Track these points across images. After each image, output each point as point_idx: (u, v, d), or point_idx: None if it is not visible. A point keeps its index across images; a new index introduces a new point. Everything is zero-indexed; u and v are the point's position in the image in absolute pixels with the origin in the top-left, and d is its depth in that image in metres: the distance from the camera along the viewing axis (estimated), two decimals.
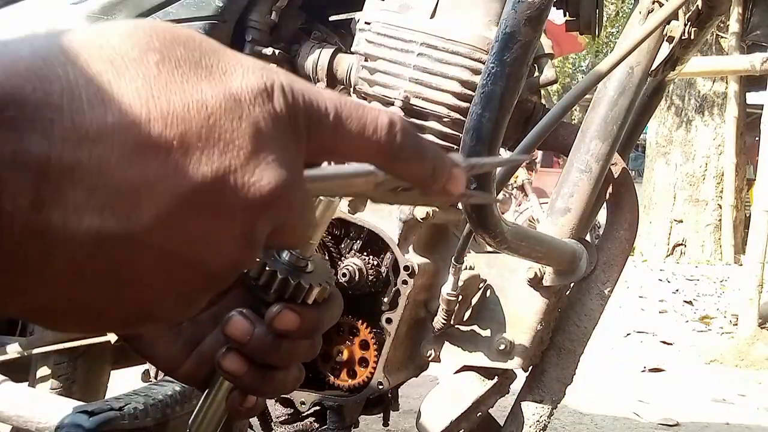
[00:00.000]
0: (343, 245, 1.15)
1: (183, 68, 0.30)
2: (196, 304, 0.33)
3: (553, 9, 1.13)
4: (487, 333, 1.13)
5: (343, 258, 1.13)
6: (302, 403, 1.17)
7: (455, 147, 1.07)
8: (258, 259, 0.41)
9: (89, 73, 0.28)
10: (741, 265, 5.76)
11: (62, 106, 0.27)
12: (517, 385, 1.23)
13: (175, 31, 0.31)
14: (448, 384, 1.17)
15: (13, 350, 1.46)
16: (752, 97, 7.55)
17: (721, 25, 6.50)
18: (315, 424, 1.20)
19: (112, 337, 1.40)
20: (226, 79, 0.30)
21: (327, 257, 1.14)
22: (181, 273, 0.30)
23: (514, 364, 1.13)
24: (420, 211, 1.09)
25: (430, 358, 1.16)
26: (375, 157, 0.35)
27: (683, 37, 1.13)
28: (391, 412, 1.31)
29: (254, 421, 1.29)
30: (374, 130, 0.34)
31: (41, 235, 0.27)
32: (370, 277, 1.11)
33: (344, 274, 1.10)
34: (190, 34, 0.31)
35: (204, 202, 0.29)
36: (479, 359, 1.14)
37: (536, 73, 1.20)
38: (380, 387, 1.12)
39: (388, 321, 1.10)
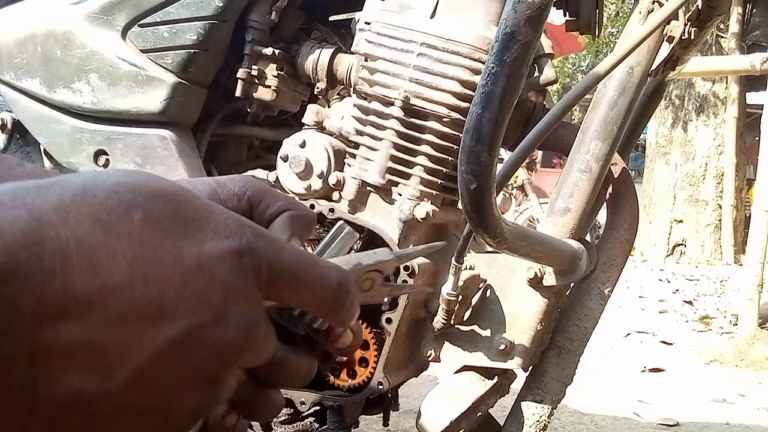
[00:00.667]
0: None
1: (164, 224, 0.33)
2: (210, 395, 0.35)
3: (553, 9, 1.13)
4: (487, 333, 1.13)
5: None
6: (302, 403, 1.17)
7: (455, 147, 1.07)
8: None
9: (79, 234, 0.30)
10: (741, 265, 5.77)
11: (55, 269, 0.29)
12: (517, 385, 1.23)
13: (157, 186, 0.33)
14: (448, 384, 1.17)
15: None
16: (752, 97, 7.54)
17: (721, 25, 6.50)
18: (315, 424, 1.20)
19: None
20: (201, 237, 0.34)
21: None
22: (150, 421, 0.33)
23: (514, 364, 1.13)
24: (420, 211, 1.09)
25: (430, 358, 1.16)
26: (319, 308, 0.40)
27: (683, 37, 1.13)
28: (391, 412, 1.31)
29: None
30: (322, 290, 0.38)
31: (27, 391, 0.29)
32: None
33: None
34: (170, 190, 0.34)
35: (175, 357, 0.32)
36: (479, 359, 1.14)
37: (536, 73, 1.20)
38: (380, 387, 1.12)
39: (388, 321, 1.10)
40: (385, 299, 1.11)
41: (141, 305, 0.31)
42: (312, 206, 1.13)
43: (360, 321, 1.14)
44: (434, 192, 1.13)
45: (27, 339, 0.28)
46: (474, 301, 1.11)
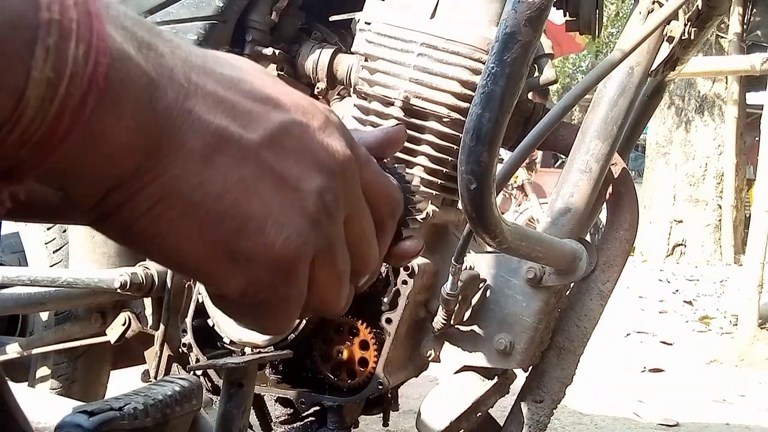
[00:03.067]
0: None
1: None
2: (305, 233, 0.38)
3: (553, 9, 1.13)
4: (487, 333, 1.13)
5: None
6: (302, 403, 1.17)
7: (455, 147, 1.07)
8: None
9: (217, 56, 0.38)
10: (741, 265, 5.77)
11: (206, 61, 0.36)
12: (517, 385, 1.23)
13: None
14: (448, 384, 1.17)
15: (13, 350, 1.46)
16: (752, 97, 7.54)
17: (721, 25, 6.50)
18: (315, 424, 1.20)
19: (112, 337, 1.40)
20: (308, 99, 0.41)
21: None
22: (285, 189, 0.37)
23: (514, 364, 1.13)
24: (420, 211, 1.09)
25: (430, 358, 1.16)
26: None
27: (683, 37, 1.13)
28: (391, 412, 1.31)
29: (254, 421, 1.29)
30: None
31: (188, 114, 0.34)
32: None
33: None
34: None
35: (296, 136, 0.38)
36: (479, 359, 1.14)
37: (536, 73, 1.20)
38: (380, 387, 1.12)
39: (388, 321, 1.10)
40: (385, 299, 1.11)
41: (267, 93, 0.38)
42: None
43: (359, 321, 1.14)
44: (434, 192, 1.13)
45: (186, 77, 0.34)
46: (474, 301, 1.11)
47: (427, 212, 1.09)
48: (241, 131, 0.36)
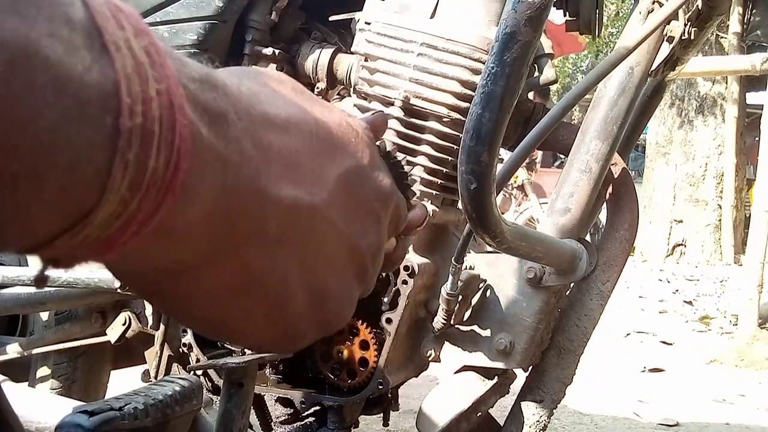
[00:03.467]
0: None
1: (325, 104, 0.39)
2: (359, 287, 0.39)
3: (553, 9, 1.13)
4: (487, 333, 1.13)
5: None
6: (302, 403, 1.17)
7: (455, 147, 1.07)
8: None
9: (278, 88, 0.36)
10: (741, 265, 5.77)
11: (265, 101, 0.34)
12: (517, 385, 1.23)
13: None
14: (448, 384, 1.17)
15: (13, 350, 1.46)
16: (752, 97, 7.54)
17: (722, 25, 6.50)
18: (315, 424, 1.20)
19: (112, 337, 1.40)
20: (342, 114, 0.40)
21: None
22: (345, 247, 0.36)
23: (514, 364, 1.13)
24: None
25: (430, 358, 1.16)
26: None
27: (683, 37, 1.13)
28: (391, 412, 1.31)
29: (254, 420, 1.29)
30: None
31: (261, 194, 0.32)
32: None
33: None
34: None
35: (351, 187, 0.37)
36: (479, 359, 1.14)
37: (536, 73, 1.20)
38: (380, 387, 1.12)
39: (388, 321, 1.10)
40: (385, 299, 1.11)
41: (324, 133, 0.36)
42: None
43: (359, 321, 1.14)
44: (434, 192, 1.13)
45: (251, 146, 0.31)
46: (474, 301, 1.11)
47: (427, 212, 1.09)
48: (310, 197, 0.34)
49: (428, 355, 1.15)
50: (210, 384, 1.25)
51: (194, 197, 0.28)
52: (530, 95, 1.25)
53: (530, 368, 1.18)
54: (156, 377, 1.34)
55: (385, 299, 1.11)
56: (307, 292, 0.34)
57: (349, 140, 0.37)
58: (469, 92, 1.08)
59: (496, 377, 1.17)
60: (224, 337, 0.35)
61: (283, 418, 1.23)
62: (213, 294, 0.32)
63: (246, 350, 1.19)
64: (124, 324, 1.39)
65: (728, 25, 6.58)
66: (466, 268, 1.06)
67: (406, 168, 0.47)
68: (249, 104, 0.32)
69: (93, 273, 1.31)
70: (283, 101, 0.35)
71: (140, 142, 0.25)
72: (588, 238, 1.20)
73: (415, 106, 1.09)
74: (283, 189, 0.32)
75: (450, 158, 1.11)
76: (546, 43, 1.17)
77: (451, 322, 1.10)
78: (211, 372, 1.24)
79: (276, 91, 0.36)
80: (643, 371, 3.36)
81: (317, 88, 1.25)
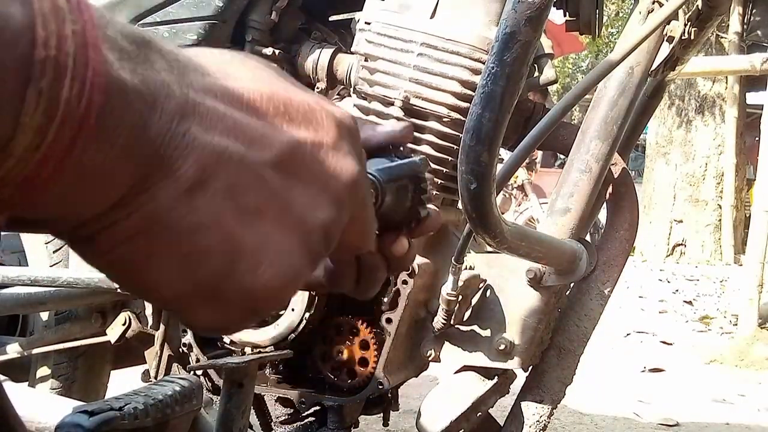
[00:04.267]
0: None
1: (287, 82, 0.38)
2: (301, 270, 0.36)
3: (553, 9, 1.13)
4: (487, 333, 1.13)
5: None
6: (302, 403, 1.17)
7: (455, 147, 1.07)
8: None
9: (237, 62, 0.36)
10: (741, 265, 5.76)
11: (217, 72, 0.34)
12: (517, 385, 1.23)
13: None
14: (448, 384, 1.17)
15: (13, 350, 1.46)
16: (752, 97, 7.54)
17: (721, 25, 6.50)
18: (315, 424, 1.20)
19: (112, 337, 1.40)
20: (323, 103, 0.38)
21: None
22: (290, 222, 0.35)
23: (514, 364, 1.13)
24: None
25: (430, 358, 1.16)
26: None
27: (683, 37, 1.13)
28: (391, 412, 1.31)
29: (254, 420, 1.29)
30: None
31: (182, 137, 0.31)
32: None
33: None
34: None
35: (305, 160, 0.35)
36: (479, 359, 1.14)
37: (536, 73, 1.20)
38: (380, 387, 1.12)
39: (388, 321, 1.10)
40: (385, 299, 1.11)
41: (276, 105, 0.35)
42: None
43: (359, 321, 1.14)
44: (434, 192, 1.13)
45: (183, 95, 0.32)
46: (474, 301, 1.11)
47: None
48: (243, 150, 0.33)
49: (428, 355, 1.15)
50: (210, 384, 1.25)
51: (111, 134, 0.29)
52: (530, 95, 1.25)
53: (530, 368, 1.18)
54: (156, 377, 1.34)
55: (385, 299, 1.11)
56: (226, 248, 0.33)
57: (315, 117, 0.36)
58: (469, 92, 1.08)
59: (496, 377, 1.17)
60: (140, 292, 0.34)
61: (283, 418, 1.23)
62: (127, 240, 0.32)
63: (245, 350, 1.19)
64: (124, 324, 1.39)
65: (728, 25, 6.58)
66: (466, 268, 1.06)
67: (421, 164, 0.47)
68: (186, 65, 0.33)
69: (93, 273, 1.31)
70: (233, 77, 0.35)
71: (54, 73, 0.27)
72: (588, 237, 1.20)
73: (415, 106, 1.09)
74: (211, 137, 0.32)
75: (450, 158, 1.11)
76: (546, 43, 1.17)
77: (451, 322, 1.10)
78: (211, 372, 1.24)
79: (234, 71, 0.35)
80: (643, 371, 3.36)
81: (317, 88, 1.25)
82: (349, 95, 1.21)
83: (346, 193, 0.37)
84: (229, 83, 0.34)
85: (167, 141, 0.31)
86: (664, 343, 3.96)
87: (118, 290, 1.28)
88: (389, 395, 1.26)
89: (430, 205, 0.48)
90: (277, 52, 1.25)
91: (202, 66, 0.34)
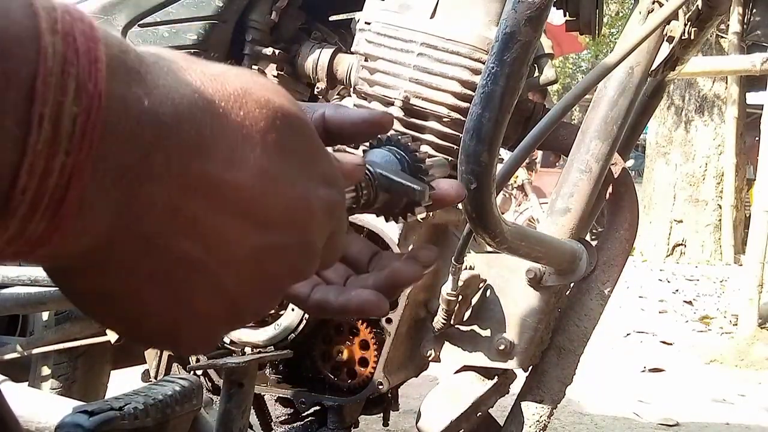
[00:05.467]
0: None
1: (289, 150, 0.37)
2: (268, 305, 0.39)
3: (553, 9, 1.13)
4: (487, 333, 1.13)
5: None
6: (302, 403, 1.17)
7: (455, 147, 1.07)
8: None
9: (226, 130, 0.35)
10: (741, 265, 5.76)
11: (201, 148, 0.34)
12: (517, 385, 1.23)
13: (294, 115, 0.38)
14: (448, 384, 1.17)
15: (13, 350, 1.46)
16: (752, 97, 7.53)
17: (721, 25, 6.50)
18: (315, 424, 1.20)
19: (112, 337, 1.40)
20: (312, 175, 0.39)
21: None
22: (222, 310, 0.36)
23: (514, 364, 1.13)
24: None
25: (430, 358, 1.16)
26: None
27: (683, 37, 1.13)
28: (391, 412, 1.31)
29: (254, 420, 1.29)
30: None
31: (155, 236, 0.33)
32: None
33: None
34: (302, 122, 0.39)
35: (261, 264, 0.36)
36: (479, 359, 1.14)
37: (536, 73, 1.20)
38: (380, 387, 1.12)
39: (388, 321, 1.10)
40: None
41: (255, 208, 0.35)
42: None
43: (359, 321, 1.14)
44: (422, 217, 1.13)
45: (173, 188, 0.32)
46: (474, 301, 1.11)
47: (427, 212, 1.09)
48: (202, 254, 0.34)
49: (428, 355, 1.15)
50: (210, 384, 1.25)
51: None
52: (530, 95, 1.25)
53: (530, 368, 1.18)
54: (156, 377, 1.34)
55: None
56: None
57: (288, 220, 0.37)
58: (469, 92, 1.08)
59: (496, 377, 1.17)
60: (124, 322, 0.36)
61: (283, 418, 1.23)
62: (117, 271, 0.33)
63: (245, 350, 1.19)
64: None
65: (728, 25, 6.58)
66: (466, 268, 1.06)
67: (416, 149, 0.48)
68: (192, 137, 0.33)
69: None
70: (233, 161, 0.35)
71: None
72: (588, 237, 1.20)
73: (415, 106, 1.09)
74: (178, 243, 0.33)
75: (450, 158, 1.11)
76: (546, 43, 1.17)
77: (451, 322, 1.10)
78: (211, 372, 1.24)
79: (242, 147, 0.35)
80: (643, 371, 3.36)
81: (317, 87, 1.25)
82: (349, 95, 1.21)
83: (326, 234, 0.39)
84: (221, 175, 0.34)
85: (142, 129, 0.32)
86: (664, 343, 3.96)
87: None
88: (389, 395, 1.26)
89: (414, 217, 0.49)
90: (276, 52, 1.25)
91: (208, 148, 0.34)
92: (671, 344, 3.94)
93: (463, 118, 0.95)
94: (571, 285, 1.18)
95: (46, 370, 1.50)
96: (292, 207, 0.37)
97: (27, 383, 1.52)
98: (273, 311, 1.15)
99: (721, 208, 7.27)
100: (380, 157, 0.48)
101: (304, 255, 0.39)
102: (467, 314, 1.11)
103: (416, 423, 1.15)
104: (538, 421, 1.16)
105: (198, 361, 1.21)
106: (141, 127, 0.31)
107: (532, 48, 0.75)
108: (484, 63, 1.05)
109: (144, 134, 0.31)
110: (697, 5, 1.14)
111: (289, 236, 0.37)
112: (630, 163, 1.44)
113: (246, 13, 1.24)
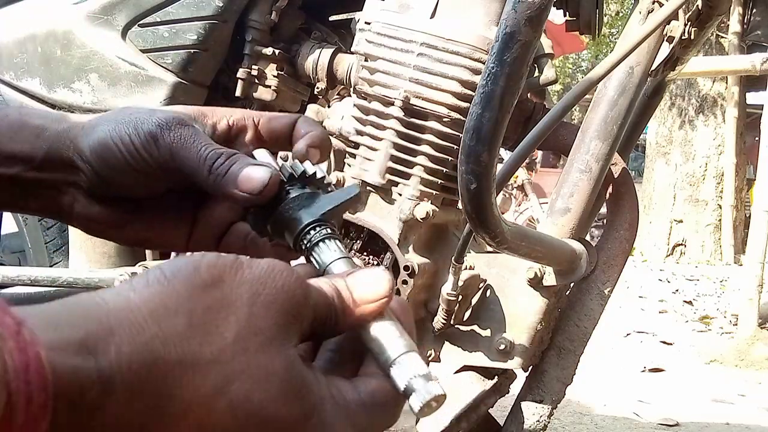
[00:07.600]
0: (342, 245, 1.15)
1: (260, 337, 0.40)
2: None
3: (553, 9, 1.13)
4: (487, 333, 1.13)
5: None
6: None
7: (455, 147, 1.07)
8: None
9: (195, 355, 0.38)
10: (741, 265, 5.77)
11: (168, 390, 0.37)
12: (517, 385, 1.23)
13: (285, 313, 0.41)
14: (448, 384, 1.17)
15: None
16: (752, 97, 7.54)
17: (722, 25, 6.50)
18: None
19: None
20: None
21: None
22: None
23: (514, 364, 1.13)
24: (420, 211, 1.09)
25: (430, 358, 1.16)
26: None
27: (683, 37, 1.13)
28: None
29: None
30: None
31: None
32: None
33: None
34: (287, 321, 0.41)
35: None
36: (479, 359, 1.14)
37: (536, 73, 1.20)
38: None
39: None
40: None
41: (226, 424, 0.37)
42: None
43: None
44: (434, 192, 1.13)
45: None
46: (474, 301, 1.11)
47: (427, 212, 1.09)
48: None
49: (428, 355, 1.15)
50: None
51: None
52: (530, 95, 1.25)
53: (530, 368, 1.18)
54: None
55: None
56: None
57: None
58: (469, 92, 1.08)
59: (496, 377, 1.17)
60: None
61: None
62: None
63: None
64: None
65: (728, 25, 6.58)
66: (466, 268, 1.06)
67: (315, 171, 0.51)
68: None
69: (93, 273, 1.31)
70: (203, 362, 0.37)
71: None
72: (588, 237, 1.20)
73: (415, 106, 1.09)
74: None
75: (450, 158, 1.11)
76: (546, 43, 1.17)
77: (451, 322, 1.10)
78: None
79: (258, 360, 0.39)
80: (643, 371, 3.36)
81: (317, 87, 1.25)
82: (349, 95, 1.21)
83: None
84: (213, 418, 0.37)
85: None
86: (664, 343, 3.96)
87: None
88: None
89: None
90: (277, 52, 1.25)
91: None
92: (671, 344, 3.94)
93: (463, 118, 0.95)
94: (571, 285, 1.18)
95: None
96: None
97: None
98: None
99: (721, 208, 7.27)
100: (302, 209, 0.52)
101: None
102: (467, 314, 1.11)
103: (416, 423, 1.15)
104: (538, 421, 1.16)
105: None
106: None
107: (532, 48, 0.74)
108: (484, 63, 1.05)
109: None
110: (697, 5, 1.14)
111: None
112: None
113: (246, 13, 1.24)
